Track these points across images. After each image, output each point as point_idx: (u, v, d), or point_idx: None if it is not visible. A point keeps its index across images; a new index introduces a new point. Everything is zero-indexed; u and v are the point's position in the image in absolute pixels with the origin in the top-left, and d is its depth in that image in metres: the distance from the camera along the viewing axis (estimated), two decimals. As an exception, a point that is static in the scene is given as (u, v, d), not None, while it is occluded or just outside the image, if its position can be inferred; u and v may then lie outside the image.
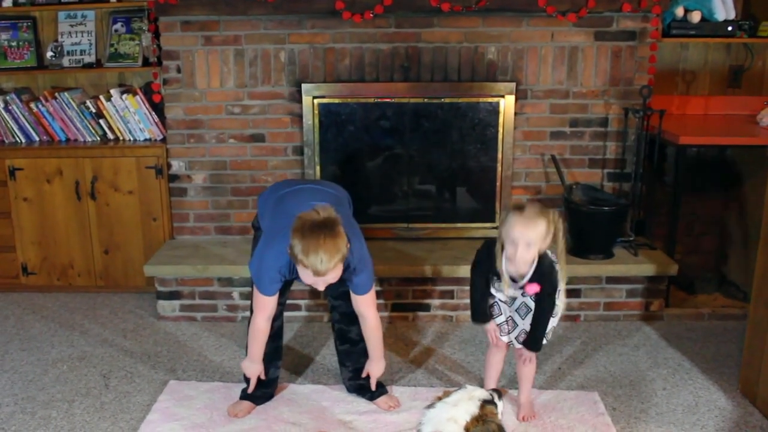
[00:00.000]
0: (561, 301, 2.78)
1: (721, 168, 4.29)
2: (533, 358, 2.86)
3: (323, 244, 2.47)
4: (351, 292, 2.82)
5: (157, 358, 3.51)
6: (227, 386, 3.19)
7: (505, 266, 2.69)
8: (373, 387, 3.00)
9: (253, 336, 2.84)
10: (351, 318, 2.97)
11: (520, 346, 2.85)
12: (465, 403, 2.34)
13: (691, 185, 4.12)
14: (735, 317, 3.85)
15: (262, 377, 2.93)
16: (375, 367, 2.95)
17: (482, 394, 2.40)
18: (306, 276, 2.56)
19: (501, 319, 2.84)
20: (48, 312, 4.05)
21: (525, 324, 2.80)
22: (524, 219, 2.57)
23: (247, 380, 2.98)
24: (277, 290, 2.76)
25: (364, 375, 2.98)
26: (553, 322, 2.80)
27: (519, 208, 2.62)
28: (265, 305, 2.77)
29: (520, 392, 2.98)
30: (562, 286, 2.76)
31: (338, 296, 2.97)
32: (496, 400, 2.44)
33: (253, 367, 2.90)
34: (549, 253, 2.71)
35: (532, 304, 2.76)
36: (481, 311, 2.83)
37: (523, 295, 2.75)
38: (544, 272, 2.68)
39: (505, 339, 2.86)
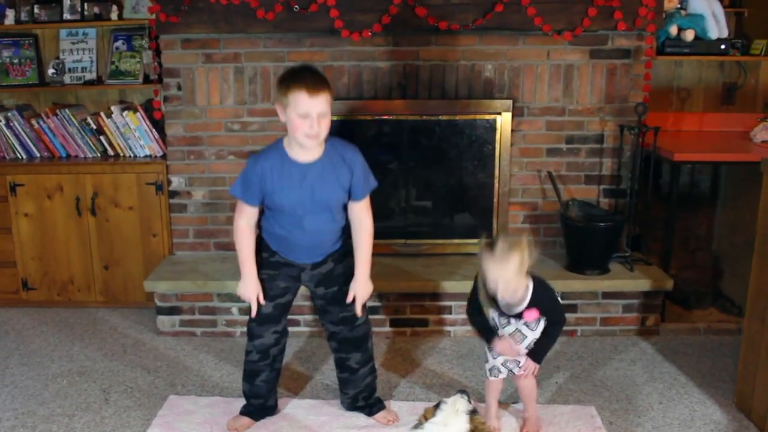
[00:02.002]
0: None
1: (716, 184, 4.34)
2: (530, 374, 2.87)
3: (309, 71, 2.60)
4: (350, 203, 2.78)
5: (157, 373, 3.53)
6: (227, 401, 3.21)
7: (498, 297, 2.72)
8: (359, 312, 2.88)
9: (238, 239, 2.77)
10: (350, 345, 2.97)
11: (515, 371, 2.87)
12: (454, 420, 2.36)
13: (686, 201, 4.17)
14: (730, 332, 3.88)
15: (261, 301, 2.83)
16: (362, 288, 2.86)
17: (463, 405, 2.42)
18: (298, 110, 2.53)
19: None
20: (48, 327, 4.07)
21: (521, 349, 2.83)
22: (496, 259, 2.59)
23: (244, 412, 3.00)
24: (251, 200, 2.71)
25: (349, 298, 2.85)
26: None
27: (489, 245, 2.62)
28: (244, 208, 2.74)
29: (526, 408, 2.99)
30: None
31: (338, 322, 2.94)
32: (472, 403, 2.47)
33: (249, 285, 2.81)
34: (543, 279, 2.76)
35: (527, 331, 2.79)
36: (491, 332, 2.86)
37: (524, 324, 2.78)
38: (540, 297, 2.71)
39: (499, 360, 2.88)
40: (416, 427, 2.45)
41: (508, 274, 2.59)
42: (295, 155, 2.68)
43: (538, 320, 2.77)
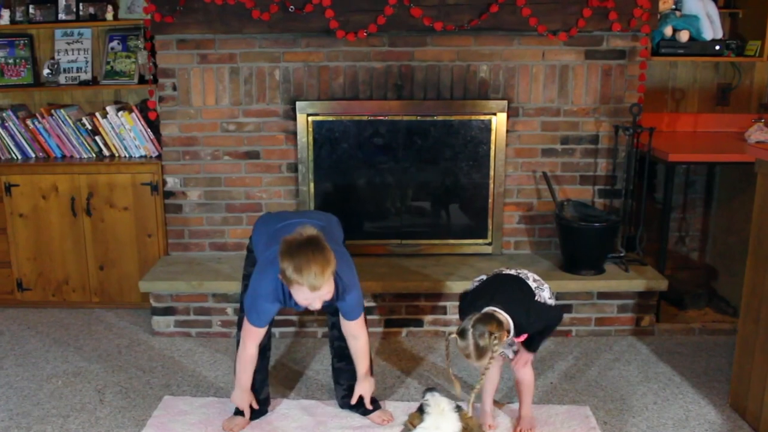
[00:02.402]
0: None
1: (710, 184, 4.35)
2: (525, 364, 2.87)
3: (313, 258, 2.51)
4: (342, 318, 2.85)
5: (152, 373, 3.53)
6: (222, 401, 3.20)
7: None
8: (369, 406, 3.01)
9: (243, 364, 2.85)
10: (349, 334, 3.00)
11: (509, 355, 2.89)
12: (445, 422, 2.35)
13: (681, 201, 4.18)
14: (725, 332, 3.89)
15: (255, 406, 2.96)
16: (366, 386, 2.98)
17: (447, 404, 2.42)
18: (301, 294, 2.56)
19: None
20: (43, 328, 4.06)
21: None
22: (471, 356, 2.56)
23: (238, 412, 3.02)
24: (268, 322, 2.79)
25: (354, 398, 2.99)
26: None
27: (461, 334, 2.58)
28: (256, 334, 2.80)
29: (521, 405, 3.00)
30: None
31: (334, 312, 2.98)
32: (445, 396, 2.48)
33: (244, 397, 2.92)
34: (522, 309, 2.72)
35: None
36: None
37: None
38: (525, 328, 2.71)
39: None
40: None
41: (484, 361, 2.56)
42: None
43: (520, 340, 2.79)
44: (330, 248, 2.58)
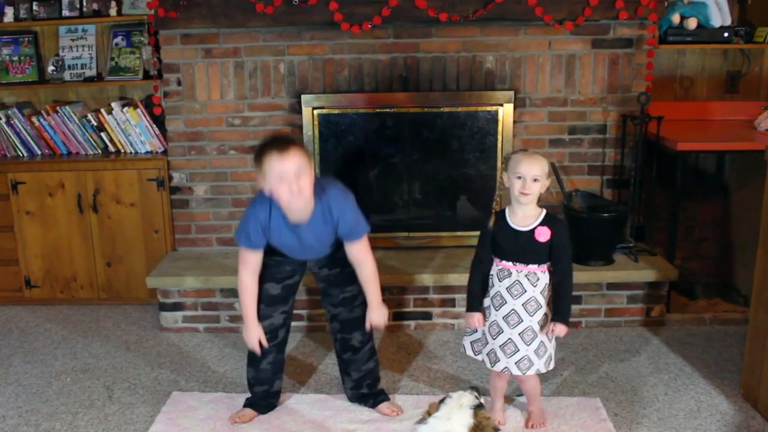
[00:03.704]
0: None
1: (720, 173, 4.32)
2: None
3: (278, 138, 2.71)
4: (345, 244, 2.84)
5: (161, 369, 3.52)
6: (230, 396, 3.20)
7: (508, 219, 2.75)
8: (381, 328, 3.00)
9: (242, 295, 2.89)
10: (352, 325, 3.00)
11: (502, 367, 2.79)
12: (457, 414, 2.34)
13: (690, 190, 4.15)
14: (736, 322, 3.86)
15: (264, 344, 2.92)
16: (377, 315, 2.93)
17: (469, 399, 2.40)
18: (274, 173, 2.59)
19: (503, 337, 2.78)
20: (51, 325, 4.07)
21: (512, 333, 2.74)
22: (529, 155, 2.70)
23: (247, 405, 3.02)
24: (258, 244, 2.80)
25: (367, 325, 2.96)
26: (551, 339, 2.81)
27: (522, 149, 2.72)
28: (248, 259, 2.83)
29: (530, 402, 2.96)
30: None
31: (338, 303, 2.99)
32: (480, 399, 2.45)
33: (251, 331, 2.90)
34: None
35: (527, 284, 2.72)
36: (478, 302, 2.84)
37: (525, 276, 2.74)
38: (552, 218, 2.73)
39: (485, 352, 2.84)
40: (420, 422, 2.44)
41: (537, 170, 2.65)
42: (287, 214, 2.75)
43: (543, 273, 2.73)
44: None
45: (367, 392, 3.09)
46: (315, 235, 2.78)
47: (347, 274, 2.93)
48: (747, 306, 3.73)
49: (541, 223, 2.71)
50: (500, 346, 2.77)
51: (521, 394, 3.10)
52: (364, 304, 2.98)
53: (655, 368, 3.43)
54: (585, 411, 3.04)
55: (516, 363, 2.76)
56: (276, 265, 2.92)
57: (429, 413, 2.44)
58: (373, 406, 3.07)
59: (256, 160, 2.66)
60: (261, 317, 2.95)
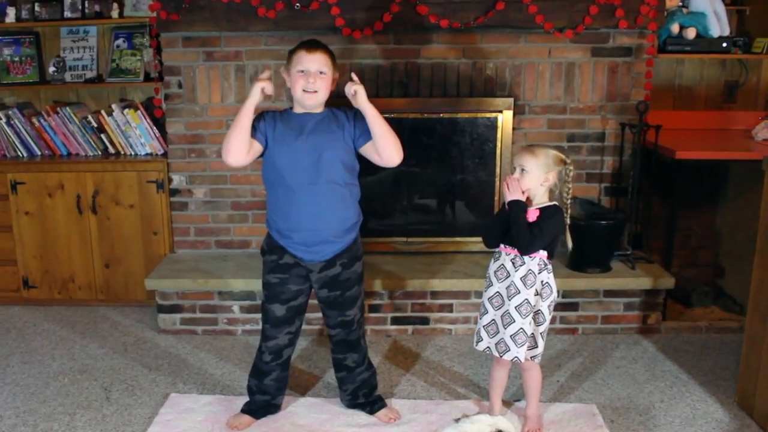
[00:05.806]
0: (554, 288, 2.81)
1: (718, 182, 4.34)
2: (532, 366, 2.86)
3: (312, 39, 2.80)
4: (369, 143, 2.88)
5: (158, 371, 3.53)
6: (228, 399, 3.21)
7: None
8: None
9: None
10: (347, 347, 3.00)
11: (484, 346, 2.84)
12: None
13: (687, 199, 4.16)
14: (732, 330, 3.88)
15: (270, 88, 2.75)
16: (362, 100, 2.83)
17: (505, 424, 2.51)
18: (297, 67, 2.70)
19: (487, 318, 2.83)
20: (49, 325, 4.07)
21: (510, 306, 2.75)
22: (525, 148, 2.83)
23: (244, 410, 3.02)
24: (261, 130, 2.78)
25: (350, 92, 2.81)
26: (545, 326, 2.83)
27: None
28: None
29: (528, 406, 2.98)
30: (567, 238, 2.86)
31: (336, 325, 2.97)
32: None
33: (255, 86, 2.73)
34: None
35: (521, 286, 2.74)
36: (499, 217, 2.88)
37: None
38: (550, 207, 2.76)
39: (483, 344, 2.86)
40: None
41: (526, 162, 2.74)
42: (295, 110, 2.82)
43: (530, 259, 2.75)
44: None
45: (364, 401, 3.10)
46: (321, 132, 2.76)
47: (348, 297, 2.91)
48: (743, 314, 3.74)
49: (539, 208, 2.75)
50: (484, 326, 2.86)
51: (519, 399, 3.11)
52: (361, 328, 3.00)
53: (651, 375, 3.45)
54: (581, 417, 3.05)
55: (496, 344, 2.82)
56: (280, 284, 2.87)
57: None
58: (371, 412, 3.08)
59: (288, 56, 2.78)
60: (266, 337, 2.94)
